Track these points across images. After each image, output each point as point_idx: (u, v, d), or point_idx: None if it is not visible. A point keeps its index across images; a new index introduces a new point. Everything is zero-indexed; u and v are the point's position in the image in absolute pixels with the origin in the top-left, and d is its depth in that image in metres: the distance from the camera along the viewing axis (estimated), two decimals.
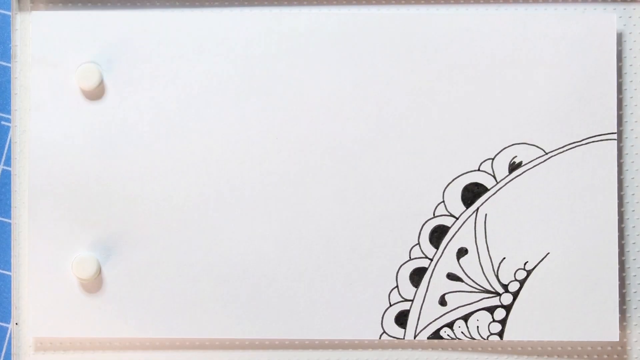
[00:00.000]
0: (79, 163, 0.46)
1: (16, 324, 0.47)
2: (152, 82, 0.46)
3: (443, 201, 0.46)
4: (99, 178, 0.46)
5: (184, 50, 0.46)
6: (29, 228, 0.46)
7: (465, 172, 0.46)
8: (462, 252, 0.46)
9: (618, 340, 0.46)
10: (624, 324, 0.46)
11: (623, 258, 0.46)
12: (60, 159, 0.46)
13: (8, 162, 0.48)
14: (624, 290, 0.46)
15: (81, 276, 0.45)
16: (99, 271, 0.46)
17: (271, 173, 0.46)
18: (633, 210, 0.46)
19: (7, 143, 0.48)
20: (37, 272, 0.46)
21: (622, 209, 0.46)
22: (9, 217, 0.48)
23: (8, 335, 0.48)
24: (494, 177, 0.46)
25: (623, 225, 0.46)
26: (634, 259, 0.46)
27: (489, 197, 0.46)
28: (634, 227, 0.46)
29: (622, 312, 0.46)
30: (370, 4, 0.47)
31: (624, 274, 0.46)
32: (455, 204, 0.46)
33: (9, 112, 0.48)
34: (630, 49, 0.46)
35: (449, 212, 0.46)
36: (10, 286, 0.48)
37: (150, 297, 0.46)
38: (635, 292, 0.46)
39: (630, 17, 0.46)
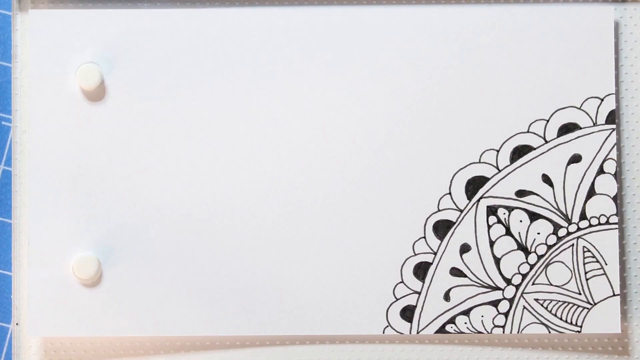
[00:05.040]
0: (80, 163, 0.46)
1: (17, 324, 0.46)
2: (152, 82, 0.46)
3: (449, 193, 0.46)
4: (100, 178, 0.46)
5: (185, 49, 0.46)
6: (29, 228, 0.45)
7: (467, 164, 0.46)
8: (465, 247, 0.46)
9: (620, 332, 0.46)
10: (629, 316, 0.46)
11: (624, 258, 0.47)
12: (60, 159, 0.46)
13: (8, 162, 0.48)
14: (624, 274, 0.46)
15: (82, 276, 0.45)
16: (100, 271, 0.45)
17: (273, 167, 0.46)
18: (634, 211, 0.47)
19: (8, 143, 0.48)
20: (38, 272, 0.45)
21: (627, 202, 0.47)
22: (9, 217, 0.48)
23: (8, 336, 0.48)
24: (497, 167, 0.46)
25: (624, 225, 0.47)
26: (635, 259, 0.47)
27: (490, 188, 0.46)
28: (634, 227, 0.47)
29: (624, 303, 0.46)
30: (371, 3, 0.47)
31: (629, 267, 0.47)
32: (460, 197, 0.46)
33: (9, 112, 0.48)
34: (626, 41, 0.47)
35: (455, 204, 0.46)
36: (10, 286, 0.48)
37: (151, 296, 0.45)
38: (637, 278, 0.46)
39: (625, 9, 0.47)
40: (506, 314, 0.46)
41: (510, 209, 0.46)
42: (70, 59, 0.46)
